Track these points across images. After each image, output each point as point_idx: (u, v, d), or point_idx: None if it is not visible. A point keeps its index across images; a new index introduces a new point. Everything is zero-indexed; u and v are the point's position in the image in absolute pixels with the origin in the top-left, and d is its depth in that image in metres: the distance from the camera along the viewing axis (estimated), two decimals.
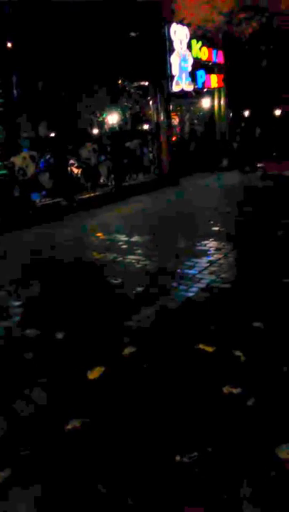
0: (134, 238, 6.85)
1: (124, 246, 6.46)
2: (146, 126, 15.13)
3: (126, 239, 6.87)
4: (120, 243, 6.66)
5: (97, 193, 11.49)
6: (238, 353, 3.01)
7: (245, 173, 14.30)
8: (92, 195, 11.33)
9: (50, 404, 2.65)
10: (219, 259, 5.32)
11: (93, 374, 2.94)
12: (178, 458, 2.12)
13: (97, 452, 2.22)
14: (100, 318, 3.89)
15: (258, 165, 13.80)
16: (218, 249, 5.76)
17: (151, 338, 3.40)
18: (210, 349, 3.11)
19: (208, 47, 15.40)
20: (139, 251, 6.09)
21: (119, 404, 2.60)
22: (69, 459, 2.19)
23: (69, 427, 2.42)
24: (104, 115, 13.16)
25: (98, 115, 13.67)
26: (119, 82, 12.65)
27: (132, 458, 2.16)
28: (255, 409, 2.42)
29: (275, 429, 2.26)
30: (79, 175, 11.33)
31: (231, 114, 18.97)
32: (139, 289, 4.54)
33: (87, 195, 11.21)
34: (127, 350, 3.21)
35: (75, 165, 11.15)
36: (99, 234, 7.47)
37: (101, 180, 12.26)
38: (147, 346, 3.27)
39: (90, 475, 2.07)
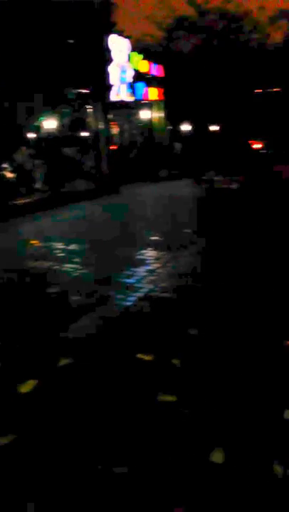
0: (72, 246, 6.72)
1: (62, 254, 6.31)
2: (85, 134, 15.07)
3: (63, 247, 6.72)
4: (57, 251, 6.50)
5: (33, 199, 11.17)
6: (175, 361, 3.03)
7: (199, 183, 14.67)
8: (27, 200, 10.99)
9: None
10: (158, 268, 5.37)
11: (25, 387, 2.79)
12: (115, 470, 2.07)
13: (24, 470, 2.10)
14: (35, 329, 3.73)
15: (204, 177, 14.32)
16: (156, 259, 5.81)
17: (89, 349, 3.32)
18: (148, 358, 3.09)
19: (148, 60, 15.74)
20: (76, 259, 5.98)
21: (51, 418, 2.49)
22: None
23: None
24: (41, 120, 12.90)
25: (35, 120, 13.37)
26: (59, 88, 12.48)
27: (62, 474, 2.07)
28: (189, 417, 2.43)
29: (209, 435, 2.28)
30: (13, 179, 10.94)
31: (170, 127, 19.49)
32: (77, 298, 4.44)
33: (23, 201, 10.86)
34: (62, 362, 3.10)
35: (9, 169, 10.76)
36: (35, 241, 7.23)
37: (37, 186, 11.95)
38: (84, 357, 3.18)
39: (16, 494, 1.95)
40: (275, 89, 26.48)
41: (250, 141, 24.92)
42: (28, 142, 12.33)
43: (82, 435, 2.33)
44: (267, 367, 2.90)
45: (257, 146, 24.86)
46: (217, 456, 2.12)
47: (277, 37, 27.86)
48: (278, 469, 2.03)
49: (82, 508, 1.89)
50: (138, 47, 19.55)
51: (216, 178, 13.75)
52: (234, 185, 13.02)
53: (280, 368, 2.88)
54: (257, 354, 3.08)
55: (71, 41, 11.88)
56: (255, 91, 27.25)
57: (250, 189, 12.46)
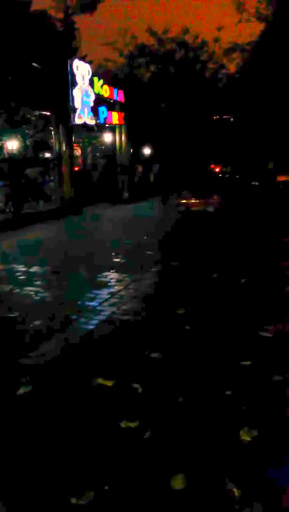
0: (33, 268, 6.64)
1: (22, 277, 6.22)
2: (48, 155, 15.06)
3: (24, 269, 6.63)
4: (18, 274, 6.40)
5: None
6: (136, 385, 3.06)
7: (165, 203, 14.94)
8: None
9: None
10: (120, 290, 5.41)
11: None
12: (74, 500, 2.05)
13: None
14: None
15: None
16: (118, 281, 5.86)
17: (50, 375, 3.29)
18: (109, 383, 3.10)
19: (109, 85, 16.10)
20: (38, 282, 5.91)
21: (10, 447, 2.44)
22: None
23: None
24: (3, 140, 12.79)
25: None
26: (20, 109, 12.48)
27: (24, 506, 2.03)
28: (151, 442, 2.46)
29: (170, 459, 2.32)
30: None
31: (132, 150, 19.87)
32: (37, 322, 4.39)
33: None
34: (22, 390, 3.05)
35: None
36: None
37: None
38: (44, 384, 3.14)
39: None
40: (226, 117, 27.93)
41: (211, 166, 25.95)
42: None
43: (40, 464, 2.30)
44: (223, 388, 2.99)
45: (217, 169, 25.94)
46: (177, 482, 2.15)
47: (231, 67, 29.42)
48: (235, 491, 2.09)
49: None
50: (98, 72, 19.99)
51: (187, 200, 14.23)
52: (210, 208, 13.41)
53: (237, 389, 2.98)
54: (215, 374, 3.17)
55: (35, 64, 11.98)
56: (213, 117, 28.48)
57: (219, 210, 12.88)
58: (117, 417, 2.68)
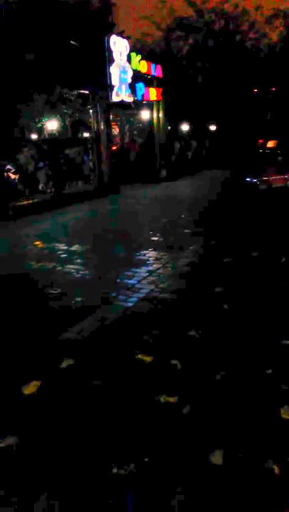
0: (74, 247, 6.77)
1: (64, 255, 6.36)
2: (86, 135, 15.11)
3: (65, 248, 6.77)
4: (59, 252, 6.55)
5: (35, 200, 11.23)
6: (174, 361, 3.08)
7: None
8: (30, 202, 11.05)
9: None
10: (158, 268, 5.42)
11: (29, 389, 2.85)
12: (114, 470, 2.12)
13: (31, 471, 2.15)
14: (37, 331, 3.78)
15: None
16: (157, 259, 5.87)
17: (90, 350, 3.37)
18: (148, 359, 3.15)
19: (147, 60, 15.76)
20: (78, 260, 6.03)
21: (56, 419, 2.54)
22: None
23: (2, 444, 2.32)
24: (43, 121, 12.95)
25: (37, 121, 13.43)
26: (59, 89, 12.53)
27: (68, 474, 2.12)
28: (190, 417, 2.48)
29: (209, 435, 2.34)
30: (16, 181, 11.00)
31: (169, 127, 19.52)
32: (78, 299, 4.50)
33: (26, 202, 10.91)
34: (64, 363, 3.15)
35: (12, 170, 10.81)
36: (37, 242, 7.29)
37: (40, 187, 12.00)
38: (86, 358, 3.24)
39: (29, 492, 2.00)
40: (271, 89, 26.55)
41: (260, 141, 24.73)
42: (30, 143, 12.36)
43: (85, 436, 2.39)
44: (263, 367, 2.95)
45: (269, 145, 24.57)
46: (217, 458, 2.17)
47: (273, 36, 27.92)
48: (275, 468, 2.08)
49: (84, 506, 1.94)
50: (136, 47, 19.61)
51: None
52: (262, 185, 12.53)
53: (277, 369, 2.94)
54: (256, 353, 3.14)
55: (72, 42, 11.91)
56: (254, 90, 27.30)
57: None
58: (157, 391, 2.72)
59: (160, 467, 2.14)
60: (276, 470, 2.07)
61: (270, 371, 2.90)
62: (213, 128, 25.13)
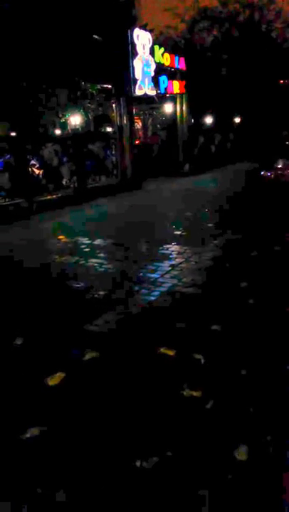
0: (97, 241, 6.81)
1: (87, 249, 6.41)
2: (109, 129, 15.12)
3: (88, 242, 6.82)
4: (83, 246, 6.60)
5: (59, 195, 11.33)
6: (197, 356, 3.06)
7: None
8: (54, 196, 11.16)
9: (8, 412, 2.58)
10: (181, 263, 5.39)
11: (53, 380, 2.88)
12: (138, 464, 2.12)
13: (55, 461, 2.18)
14: (61, 323, 3.83)
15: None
16: (179, 253, 5.83)
17: (113, 343, 3.39)
18: (171, 353, 3.13)
19: (170, 53, 15.61)
20: (101, 254, 6.06)
21: (80, 410, 2.57)
22: (24, 468, 2.14)
23: (27, 435, 2.36)
24: (66, 116, 13.03)
25: (60, 116, 13.52)
26: (82, 83, 12.56)
27: (91, 466, 2.14)
28: (214, 412, 2.46)
29: (233, 431, 2.31)
30: (40, 176, 11.13)
31: (192, 120, 19.31)
32: (102, 292, 4.52)
33: (49, 197, 11.03)
34: (88, 356, 3.18)
35: (36, 166, 10.94)
36: (61, 236, 7.36)
37: (63, 182, 12.11)
38: (109, 351, 3.25)
39: (48, 483, 2.03)
40: None
41: None
42: (54, 138, 12.49)
43: (109, 428, 2.40)
44: (286, 360, 2.89)
45: None
46: (241, 453, 2.14)
47: None
48: None
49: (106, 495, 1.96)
50: (159, 39, 19.43)
51: None
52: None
53: None
54: (280, 349, 3.08)
55: (96, 36, 11.91)
56: (280, 81, 26.66)
57: None
58: (180, 385, 2.71)
59: (183, 462, 2.13)
60: None
61: None
62: (237, 120, 24.71)
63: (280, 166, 12.78)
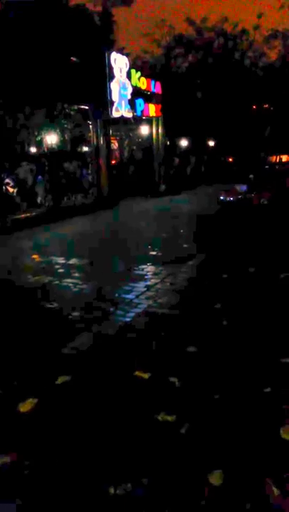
0: (72, 261, 6.76)
1: (61, 269, 6.35)
2: (86, 149, 15.24)
3: (63, 261, 6.76)
4: (57, 266, 6.53)
5: (33, 214, 11.25)
6: (172, 379, 3.04)
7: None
8: (28, 215, 11.07)
9: None
10: (156, 283, 5.41)
11: (25, 406, 2.80)
12: (112, 490, 2.07)
13: (27, 488, 2.10)
14: (33, 345, 3.74)
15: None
16: (155, 274, 5.85)
17: (87, 366, 3.33)
18: (146, 376, 3.11)
19: (146, 77, 16.02)
20: (76, 274, 6.01)
21: (51, 437, 2.49)
22: None
23: None
24: (42, 135, 13.07)
25: (36, 135, 13.55)
26: (60, 104, 12.68)
27: (65, 493, 2.07)
28: (188, 436, 2.44)
29: (208, 455, 2.29)
30: (14, 194, 11.04)
31: (168, 142, 19.72)
32: (76, 313, 4.46)
33: (23, 215, 10.94)
34: (60, 380, 3.11)
35: (11, 184, 10.86)
36: (34, 255, 7.28)
37: (38, 201, 12.05)
38: (82, 374, 3.19)
39: None
40: (266, 106, 27.03)
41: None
42: (29, 157, 12.46)
43: (81, 454, 2.34)
44: (262, 385, 2.91)
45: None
46: (215, 478, 2.13)
47: (272, 55, 28.49)
48: (274, 490, 2.04)
49: None
50: (136, 63, 19.91)
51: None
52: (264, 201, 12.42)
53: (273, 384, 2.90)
54: (254, 371, 3.10)
55: (73, 58, 12.11)
56: (253, 107, 27.72)
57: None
58: (154, 410, 2.68)
59: (158, 487, 2.09)
60: (275, 492, 2.03)
61: (268, 390, 2.86)
62: (211, 144, 25.42)
63: (238, 190, 13.05)
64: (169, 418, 2.59)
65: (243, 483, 2.10)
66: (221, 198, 12.95)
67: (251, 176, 19.48)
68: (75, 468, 2.24)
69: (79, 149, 15.42)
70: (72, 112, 14.38)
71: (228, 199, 12.78)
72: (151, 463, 2.25)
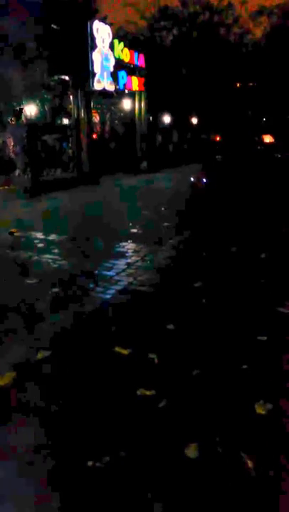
0: (51, 236, 6.67)
1: (41, 244, 6.26)
2: (66, 121, 14.85)
3: (42, 237, 6.66)
4: (36, 241, 6.44)
5: (11, 187, 10.98)
6: (152, 355, 3.08)
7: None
8: (5, 188, 10.79)
9: None
10: (137, 261, 5.41)
11: (4, 380, 2.79)
12: (90, 463, 2.11)
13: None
14: (12, 321, 3.71)
15: None
16: (135, 252, 5.85)
17: (66, 342, 3.34)
18: (125, 352, 3.14)
19: (130, 49, 15.56)
20: (56, 250, 5.95)
21: (31, 411, 2.51)
22: None
23: None
24: (21, 105, 12.64)
25: (15, 105, 13.09)
26: (39, 73, 12.21)
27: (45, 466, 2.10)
28: (166, 411, 2.50)
29: (185, 429, 2.35)
30: None
31: (151, 118, 19.41)
32: (55, 290, 4.44)
33: (1, 188, 10.66)
34: (40, 355, 3.11)
35: None
36: (13, 230, 7.14)
37: (16, 174, 11.75)
38: (62, 350, 3.20)
39: None
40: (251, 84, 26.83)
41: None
42: (6, 128, 12.05)
43: (61, 427, 2.36)
44: (239, 362, 2.99)
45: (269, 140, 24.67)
46: (191, 451, 2.19)
47: (257, 32, 28.10)
48: (249, 462, 2.12)
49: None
50: (119, 34, 19.30)
51: None
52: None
53: (252, 364, 2.98)
54: (232, 348, 3.18)
55: (54, 26, 11.62)
56: (237, 84, 27.47)
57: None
58: (134, 385, 2.72)
59: (135, 460, 2.14)
60: (249, 464, 2.11)
61: (245, 366, 2.94)
62: (195, 121, 25.16)
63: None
64: (148, 393, 2.64)
65: (218, 455, 2.17)
66: (191, 179, 12.96)
67: (218, 156, 19.51)
68: (54, 442, 2.27)
69: (59, 122, 14.99)
70: (52, 83, 13.90)
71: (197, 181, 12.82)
72: (129, 436, 2.30)
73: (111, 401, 2.59)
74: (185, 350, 3.19)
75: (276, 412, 2.47)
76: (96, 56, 12.94)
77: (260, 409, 2.49)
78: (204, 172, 14.06)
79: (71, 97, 13.55)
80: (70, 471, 2.07)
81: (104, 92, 14.35)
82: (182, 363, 3.00)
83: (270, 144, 24.60)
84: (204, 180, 12.86)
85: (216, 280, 4.66)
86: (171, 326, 3.55)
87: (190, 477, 2.04)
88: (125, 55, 14.99)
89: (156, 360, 3.03)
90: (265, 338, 3.34)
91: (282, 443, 2.25)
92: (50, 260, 5.48)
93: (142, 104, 17.42)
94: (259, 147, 23.55)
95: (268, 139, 25.04)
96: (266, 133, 25.14)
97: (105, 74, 13.51)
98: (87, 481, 2.02)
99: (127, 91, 16.00)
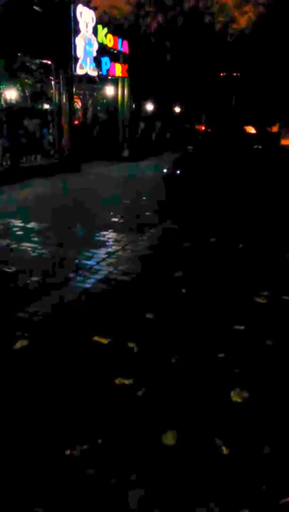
0: (31, 224, 6.58)
1: (20, 232, 6.17)
2: (47, 106, 14.55)
3: (21, 225, 6.56)
4: (15, 229, 6.34)
5: None
6: (131, 344, 3.11)
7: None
8: None
9: None
10: (117, 250, 5.40)
11: None
12: (68, 452, 2.13)
13: None
14: None
15: None
16: (116, 241, 5.83)
17: (46, 331, 3.32)
18: (104, 341, 3.15)
19: (114, 35, 15.30)
20: (35, 238, 5.88)
21: (10, 400, 2.50)
22: None
23: None
24: (1, 88, 12.31)
25: None
26: (20, 56, 11.89)
27: (22, 455, 2.11)
28: (144, 399, 2.53)
29: (162, 417, 2.39)
30: None
31: (134, 106, 19.20)
32: (35, 278, 4.40)
33: None
34: (18, 344, 3.09)
35: None
36: None
37: None
38: (41, 339, 3.19)
39: None
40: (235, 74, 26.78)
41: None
42: None
43: (38, 417, 2.37)
44: (216, 351, 3.04)
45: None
46: (169, 438, 2.23)
47: (242, 22, 27.95)
48: (224, 449, 2.17)
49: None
50: (103, 19, 18.93)
51: None
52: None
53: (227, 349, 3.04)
54: (209, 337, 3.23)
55: (36, 7, 11.29)
56: (221, 74, 27.38)
57: None
58: (112, 373, 2.74)
59: (112, 448, 2.16)
60: (224, 450, 2.16)
61: (222, 355, 2.99)
62: (178, 110, 25.03)
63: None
64: (126, 382, 2.66)
65: (194, 442, 2.22)
66: (165, 171, 12.91)
67: (190, 147, 19.48)
68: (32, 430, 2.27)
69: (40, 107, 14.68)
70: (33, 67, 13.57)
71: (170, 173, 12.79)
72: (107, 424, 2.32)
73: (90, 390, 2.60)
74: (164, 339, 3.22)
75: (252, 400, 2.53)
76: (79, 41, 12.68)
77: (236, 397, 2.55)
78: (176, 163, 14.06)
79: (53, 81, 13.26)
80: (48, 461, 2.09)
81: (86, 78, 14.10)
82: (161, 351, 3.04)
83: (250, 134, 24.65)
84: (177, 172, 12.86)
85: (195, 270, 4.70)
86: (150, 315, 3.58)
87: (167, 464, 2.08)
88: (109, 40, 14.73)
89: (135, 349, 3.05)
90: (243, 327, 3.40)
91: (257, 429, 2.31)
92: (29, 249, 5.42)
93: (125, 91, 17.20)
94: (237, 138, 23.55)
95: (248, 129, 25.07)
96: (247, 124, 25.17)
97: (88, 59, 13.27)
98: (66, 469, 2.04)
99: (110, 77, 15.77)
